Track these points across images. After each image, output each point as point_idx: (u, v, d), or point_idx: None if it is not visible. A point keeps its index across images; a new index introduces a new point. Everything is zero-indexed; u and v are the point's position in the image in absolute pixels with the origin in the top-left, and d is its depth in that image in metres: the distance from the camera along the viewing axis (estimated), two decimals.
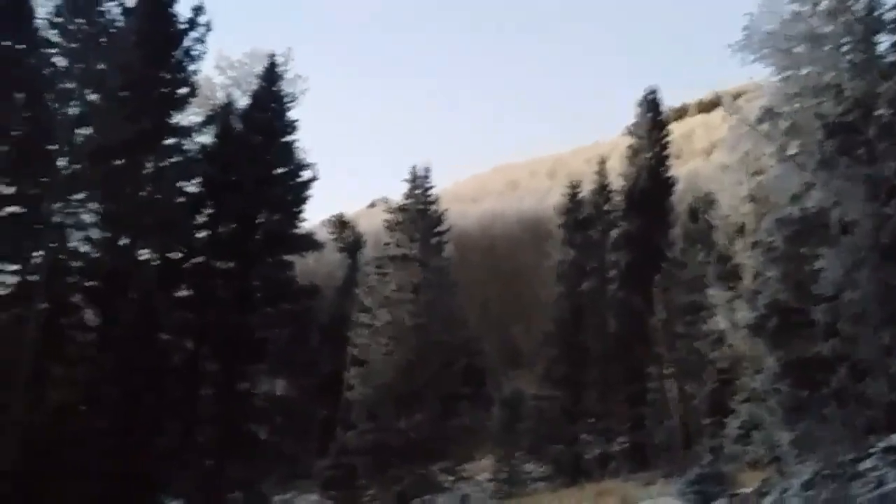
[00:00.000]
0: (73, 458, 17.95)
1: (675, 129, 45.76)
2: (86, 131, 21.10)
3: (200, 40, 24.39)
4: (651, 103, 43.54)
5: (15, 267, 19.96)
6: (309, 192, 27.40)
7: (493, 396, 48.21)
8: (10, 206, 19.46)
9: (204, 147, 25.37)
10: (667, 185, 42.52)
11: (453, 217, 49.74)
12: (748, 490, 18.20)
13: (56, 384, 20.88)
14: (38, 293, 18.17)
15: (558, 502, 27.20)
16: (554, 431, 37.60)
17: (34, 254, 19.69)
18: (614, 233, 41.18)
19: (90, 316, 22.99)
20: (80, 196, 21.01)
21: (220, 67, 28.37)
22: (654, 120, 43.28)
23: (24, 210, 19.64)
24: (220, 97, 27.61)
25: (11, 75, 18.78)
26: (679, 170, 45.04)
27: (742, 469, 23.05)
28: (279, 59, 27.54)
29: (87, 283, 22.12)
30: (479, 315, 59.50)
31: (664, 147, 43.19)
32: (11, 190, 19.43)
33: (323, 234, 45.73)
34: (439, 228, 45.40)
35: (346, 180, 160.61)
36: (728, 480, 20.03)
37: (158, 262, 24.07)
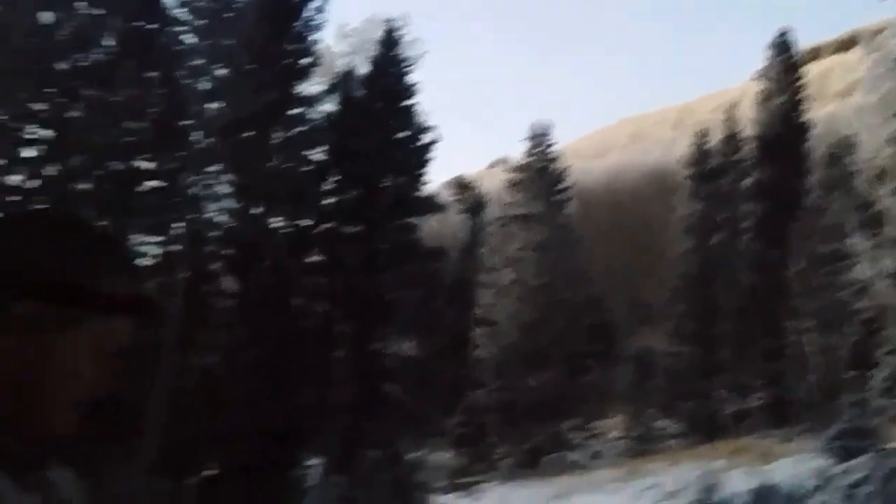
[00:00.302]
0: (218, 420, 18.84)
1: (810, 71, 43.32)
2: (216, 105, 21.85)
3: (320, 10, 24.79)
4: (783, 45, 41.37)
5: (158, 238, 21.01)
6: (431, 155, 27.67)
7: (621, 354, 47.71)
8: (150, 180, 20.42)
9: (328, 115, 25.92)
10: (802, 130, 40.43)
11: (576, 173, 49.16)
12: None
13: (200, 349, 21.98)
14: (180, 263, 19.03)
15: (693, 459, 26.71)
16: (686, 388, 36.85)
17: (174, 225, 20.65)
18: (746, 182, 39.61)
19: (228, 283, 24.05)
20: (214, 168, 21.85)
21: (340, 36, 28.83)
22: (786, 62, 41.13)
23: (163, 184, 20.57)
24: (341, 65, 28.10)
25: (145, 55, 19.57)
26: (815, 113, 42.67)
27: (888, 423, 21.98)
28: (397, 24, 27.72)
29: (224, 252, 23.09)
30: (604, 272, 58.64)
31: (798, 90, 41.02)
32: (151, 165, 20.37)
33: (445, 196, 46.00)
34: (562, 185, 45.00)
35: (467, 141, 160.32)
36: (874, 435, 19.14)
37: (289, 229, 24.85)
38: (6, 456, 0.88)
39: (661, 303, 44.86)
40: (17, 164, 17.25)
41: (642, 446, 36.64)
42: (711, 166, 40.84)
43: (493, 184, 61.32)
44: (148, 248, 20.65)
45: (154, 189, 20.53)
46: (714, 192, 40.13)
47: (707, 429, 34.33)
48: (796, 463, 20.89)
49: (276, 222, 24.83)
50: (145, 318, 0.99)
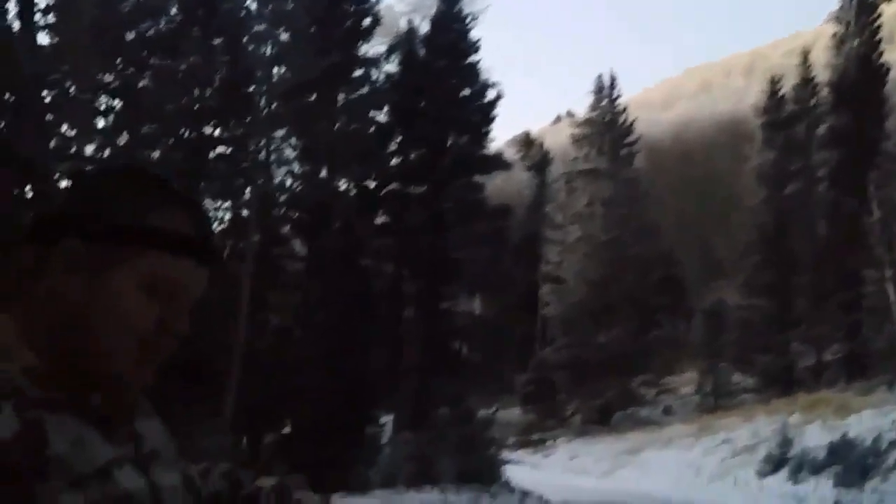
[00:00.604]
0: (292, 378, 19.27)
1: (887, 11, 41.39)
2: (280, 70, 22.01)
3: None
4: None
5: (228, 203, 21.43)
6: (494, 112, 27.45)
7: (693, 308, 47.11)
8: (219, 146, 20.76)
9: (390, 76, 25.86)
10: (879, 73, 38.80)
11: (643, 126, 48.27)
12: None
13: (273, 311, 22.45)
14: (251, 227, 19.38)
15: (768, 414, 26.35)
16: (761, 341, 36.21)
17: (244, 190, 21.01)
18: (821, 129, 38.32)
19: (298, 246, 24.44)
20: (281, 133, 22.08)
21: None
22: (861, 3, 39.39)
23: (231, 150, 20.89)
24: (402, 25, 27.94)
25: (209, 22, 19.76)
26: (893, 56, 40.89)
27: None
28: None
29: (293, 215, 23.43)
30: (675, 225, 57.82)
31: (875, 32, 39.29)
32: (219, 132, 20.69)
33: (510, 154, 45.67)
34: (629, 139, 44.31)
35: (531, 97, 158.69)
36: None
37: (356, 191, 25.06)
38: (93, 409, 0.89)
39: (733, 255, 44.05)
40: (91, 134, 17.71)
41: (715, 401, 36.29)
42: (785, 114, 39.57)
43: (558, 139, 60.73)
44: (218, 213, 21.06)
45: (222, 155, 20.88)
46: (788, 140, 38.95)
47: (782, 383, 33.79)
48: (874, 416, 20.44)
49: (343, 184, 25.07)
50: (208, 259, 0.97)
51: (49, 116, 14.80)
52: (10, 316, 0.90)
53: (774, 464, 20.45)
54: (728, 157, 54.21)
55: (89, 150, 17.09)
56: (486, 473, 19.37)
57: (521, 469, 26.03)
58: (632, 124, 44.50)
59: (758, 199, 39.33)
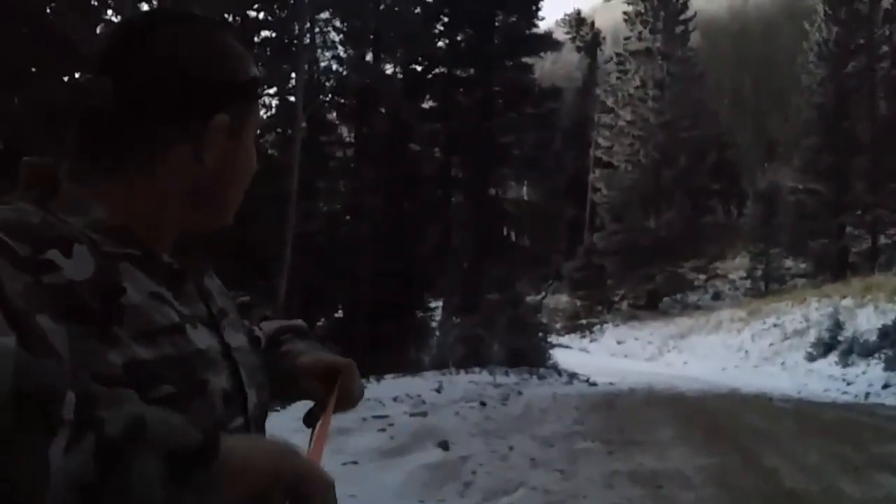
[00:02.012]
0: (343, 262, 19.58)
1: None
2: None
3: None
4: None
5: (275, 90, 21.30)
6: None
7: (747, 192, 46.34)
8: (262, 30, 20.50)
9: None
10: None
11: (699, 2, 46.37)
12: None
13: (322, 197, 22.64)
14: (298, 113, 19.31)
15: (819, 298, 26.19)
16: (815, 225, 35.59)
17: (290, 76, 20.83)
18: (886, 2, 36.40)
19: (345, 132, 24.39)
20: (325, 15, 21.69)
21: None
22: None
23: (275, 34, 20.62)
24: None
25: None
26: None
27: None
28: None
29: (340, 101, 23.27)
30: (730, 106, 56.30)
31: None
32: (262, 15, 20.38)
33: (559, 34, 44.37)
34: (684, 16, 42.71)
35: None
36: None
37: (402, 74, 24.70)
38: (166, 266, 0.90)
39: (789, 137, 42.92)
40: None
41: (766, 286, 36.11)
42: None
43: (609, 18, 58.88)
44: (265, 99, 20.98)
45: (267, 39, 20.63)
46: (851, 14, 37.11)
47: (836, 267, 33.38)
48: None
49: (389, 68, 24.71)
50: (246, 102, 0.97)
51: (94, 1, 14.72)
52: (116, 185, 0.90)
53: (824, 347, 20.45)
54: (787, 34, 52.14)
55: (113, 26, 17.00)
56: (534, 356, 19.73)
57: (569, 353, 26.47)
58: (687, 1, 42.76)
59: (817, 77, 37.93)
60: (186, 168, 0.91)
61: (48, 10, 12.89)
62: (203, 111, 0.91)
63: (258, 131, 1.01)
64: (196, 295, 0.95)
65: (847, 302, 23.50)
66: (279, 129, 20.64)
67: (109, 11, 15.28)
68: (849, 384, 17.02)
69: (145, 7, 16.83)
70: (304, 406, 1.14)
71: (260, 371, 1.02)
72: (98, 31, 14.39)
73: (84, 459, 0.62)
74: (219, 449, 0.68)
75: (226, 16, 18.88)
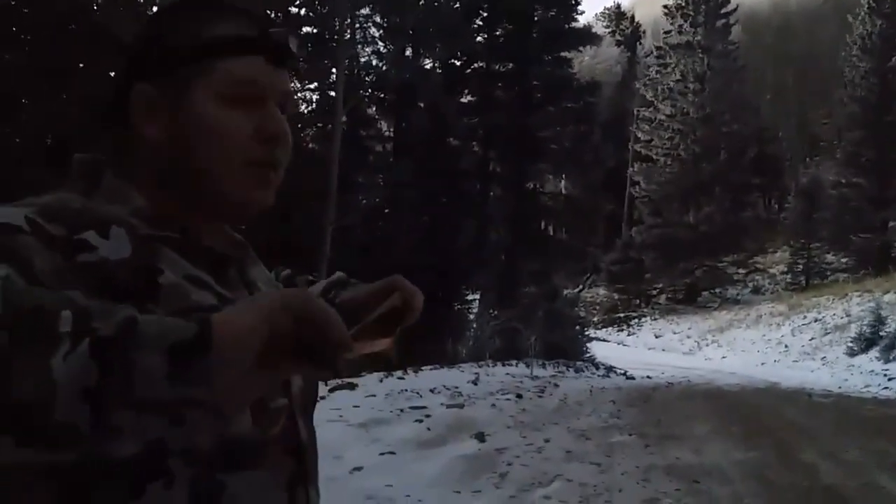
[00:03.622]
0: (382, 255, 19.71)
1: None
2: None
3: None
4: None
5: (314, 85, 21.49)
6: None
7: (788, 186, 45.74)
8: (303, 26, 20.67)
9: None
10: None
11: None
12: None
13: (362, 191, 22.78)
14: (338, 108, 19.44)
15: (861, 293, 25.82)
16: (857, 220, 35.05)
17: (330, 71, 20.99)
18: None
19: (384, 127, 24.51)
20: (365, 11, 21.81)
21: None
22: None
23: (316, 30, 20.79)
24: None
25: None
26: None
27: None
28: None
29: (379, 96, 23.39)
30: (772, 101, 55.50)
31: None
32: (303, 11, 20.55)
33: (599, 28, 44.17)
34: (725, 9, 42.23)
35: None
36: None
37: (441, 69, 24.75)
38: (206, 250, 0.93)
39: (832, 132, 42.26)
40: None
41: (806, 281, 35.65)
42: None
43: (650, 11, 58.34)
44: (305, 94, 21.17)
45: (308, 35, 20.81)
46: (895, 7, 36.47)
47: (877, 262, 32.85)
48: None
49: (429, 63, 24.76)
50: (277, 55, 0.95)
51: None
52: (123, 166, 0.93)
53: (865, 342, 20.21)
54: (830, 27, 51.26)
55: None
56: (571, 349, 19.71)
57: (607, 346, 26.41)
58: None
59: (860, 71, 37.30)
60: (143, 147, 0.91)
61: (94, 6, 13.15)
62: (127, 82, 0.91)
63: (238, 90, 0.92)
64: (239, 281, 0.97)
65: (889, 297, 23.17)
66: (319, 124, 20.81)
67: (154, 7, 15.57)
68: (890, 379, 16.82)
69: None
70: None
71: None
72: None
73: (83, 362, 0.63)
74: (212, 328, 0.65)
75: (267, 10, 19.10)
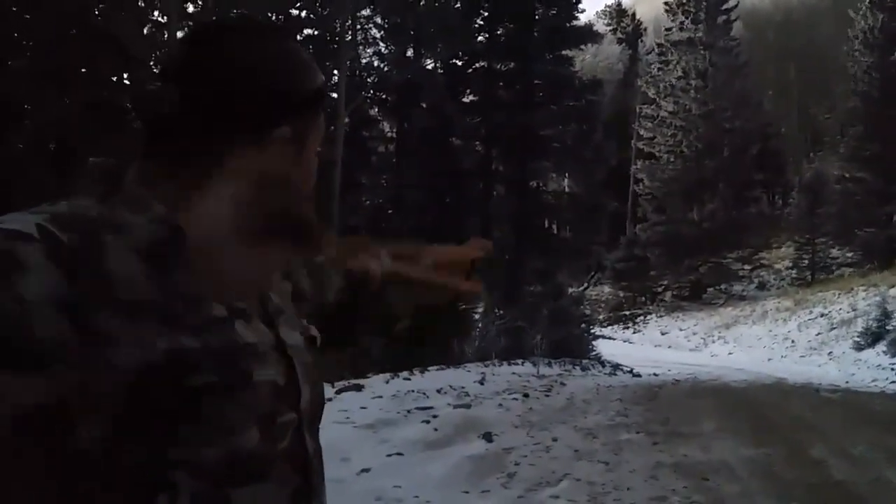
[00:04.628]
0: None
1: None
2: None
3: None
4: None
5: None
6: None
7: (792, 182, 45.66)
8: (305, 28, 20.71)
9: None
10: None
11: None
12: None
13: (365, 191, 22.82)
14: (340, 109, 19.46)
15: (867, 287, 25.76)
16: (862, 214, 34.97)
17: (332, 73, 21.01)
18: None
19: (387, 127, 24.55)
20: (366, 12, 21.84)
21: None
22: None
23: (317, 31, 20.82)
24: None
25: None
26: None
27: None
28: None
29: (381, 97, 23.42)
30: (775, 96, 55.46)
31: None
32: (304, 13, 20.59)
33: (600, 26, 44.11)
34: (726, 5, 42.15)
35: None
36: None
37: (443, 70, 24.76)
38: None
39: (835, 126, 42.20)
40: (182, 20, 17.90)
41: (812, 276, 35.58)
42: None
43: (650, 9, 58.28)
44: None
45: (309, 37, 20.85)
46: None
47: (883, 256, 32.77)
48: None
49: (430, 64, 24.79)
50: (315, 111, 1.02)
51: (140, 3, 15.01)
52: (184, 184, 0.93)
53: (872, 337, 20.16)
54: (833, 22, 51.18)
55: (180, 35, 17.29)
56: (577, 348, 19.68)
57: (613, 344, 26.37)
58: None
59: (862, 65, 37.23)
60: (244, 175, 0.92)
61: (97, 11, 13.17)
62: (265, 121, 0.93)
63: (320, 142, 1.04)
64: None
65: (894, 291, 23.10)
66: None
67: (156, 13, 15.59)
68: None
69: (191, 8, 17.12)
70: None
71: (314, 368, 1.03)
72: (145, 31, 14.68)
73: (51, 271, 0.69)
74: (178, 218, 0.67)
75: (269, 13, 19.12)
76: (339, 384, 9.51)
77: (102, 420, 0.76)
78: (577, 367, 17.42)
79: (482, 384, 12.16)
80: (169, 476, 0.81)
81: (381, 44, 23.56)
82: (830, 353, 22.04)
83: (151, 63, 13.33)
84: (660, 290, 40.45)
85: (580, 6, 26.43)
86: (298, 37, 20.19)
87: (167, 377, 0.80)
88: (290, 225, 0.98)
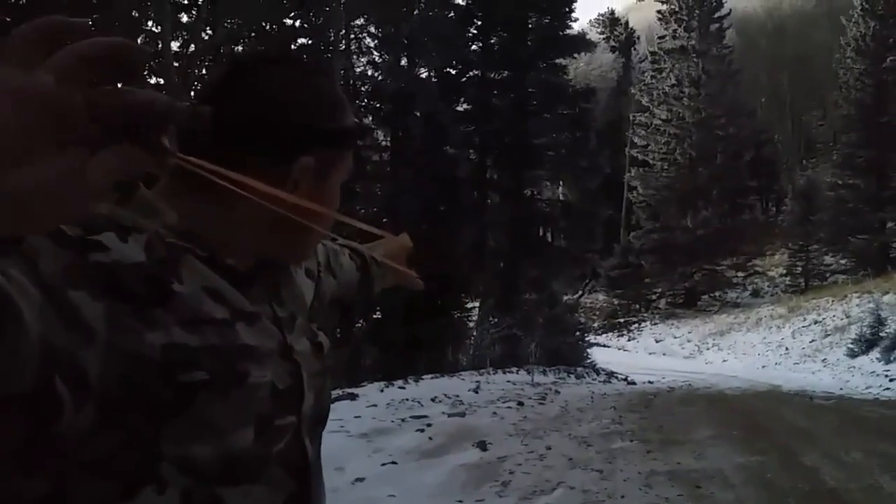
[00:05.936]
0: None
1: None
2: None
3: None
4: None
5: None
6: None
7: (786, 189, 45.80)
8: (298, 37, 20.75)
9: None
10: None
11: (733, 0, 45.98)
12: None
13: (360, 200, 22.79)
14: None
15: (860, 294, 25.82)
16: (855, 221, 35.11)
17: None
18: None
19: (381, 136, 24.54)
20: (360, 21, 21.89)
21: None
22: None
23: (311, 40, 20.86)
24: None
25: None
26: None
27: None
28: None
29: (375, 105, 23.44)
30: (767, 104, 55.68)
31: None
32: (298, 22, 20.63)
33: (593, 34, 44.25)
34: (719, 14, 42.38)
35: None
36: None
37: (437, 78, 24.81)
38: (229, 268, 0.95)
39: (828, 134, 42.37)
40: (176, 29, 17.93)
41: (805, 283, 35.67)
42: None
43: (643, 17, 58.50)
44: None
45: (303, 46, 20.88)
46: (888, 8, 36.59)
47: (876, 263, 32.88)
48: None
49: (424, 72, 24.83)
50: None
51: (134, 13, 15.03)
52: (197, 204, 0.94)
53: (866, 344, 20.21)
54: (823, 30, 51.48)
55: (174, 46, 17.33)
56: (571, 356, 19.70)
57: (607, 352, 26.37)
58: None
59: (855, 73, 37.43)
60: (262, 198, 0.93)
61: (90, 21, 13.20)
62: (290, 151, 0.95)
63: (345, 177, 1.06)
64: (264, 297, 0.99)
65: (889, 298, 23.17)
66: None
67: (150, 22, 15.62)
68: (891, 380, 16.81)
69: (185, 19, 17.15)
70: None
71: (320, 376, 1.05)
72: (139, 41, 14.68)
73: (60, 255, 0.74)
74: None
75: (263, 23, 19.18)
76: (334, 393, 9.50)
77: (89, 405, 0.76)
78: (572, 375, 17.45)
79: (477, 392, 12.17)
80: (156, 469, 0.82)
81: (375, 53, 23.60)
82: (824, 360, 22.08)
83: (145, 73, 13.35)
84: (654, 297, 40.51)
85: (573, 15, 26.56)
86: (292, 45, 20.26)
87: (161, 371, 0.82)
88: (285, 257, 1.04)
